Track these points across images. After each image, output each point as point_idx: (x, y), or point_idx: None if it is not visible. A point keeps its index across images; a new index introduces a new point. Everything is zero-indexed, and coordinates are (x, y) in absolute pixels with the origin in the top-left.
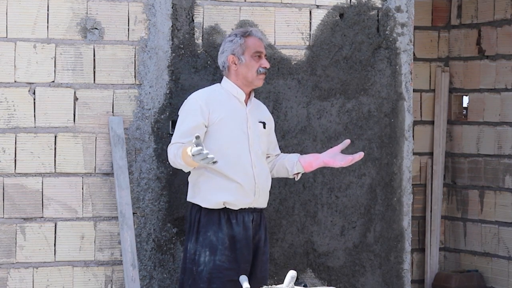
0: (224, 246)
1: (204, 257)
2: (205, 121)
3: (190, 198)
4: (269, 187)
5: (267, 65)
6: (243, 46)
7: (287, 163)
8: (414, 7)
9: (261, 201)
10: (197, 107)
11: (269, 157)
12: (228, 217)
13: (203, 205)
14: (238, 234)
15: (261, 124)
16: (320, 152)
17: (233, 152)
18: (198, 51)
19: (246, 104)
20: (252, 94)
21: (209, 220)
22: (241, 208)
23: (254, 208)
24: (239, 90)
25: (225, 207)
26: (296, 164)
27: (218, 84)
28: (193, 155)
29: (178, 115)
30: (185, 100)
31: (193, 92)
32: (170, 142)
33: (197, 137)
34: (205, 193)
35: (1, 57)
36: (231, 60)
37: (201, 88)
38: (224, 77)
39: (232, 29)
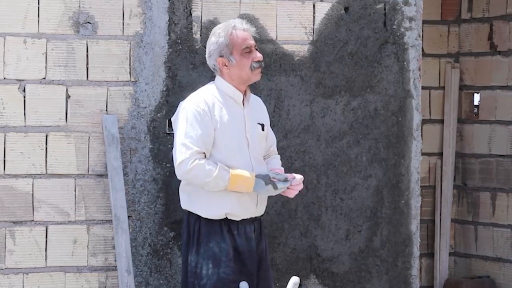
0: (228, 258)
1: (206, 270)
2: (212, 124)
3: (187, 206)
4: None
5: (260, 58)
6: (230, 45)
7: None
8: (422, 0)
9: (261, 209)
10: (202, 112)
11: (270, 154)
12: (229, 228)
13: (203, 215)
14: (241, 246)
15: (260, 126)
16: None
17: (234, 161)
18: (196, 47)
19: (244, 105)
20: (249, 93)
21: (210, 231)
22: (243, 219)
23: (255, 217)
24: (235, 91)
25: (226, 218)
26: None
27: (211, 83)
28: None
29: (172, 121)
30: (183, 107)
31: (189, 94)
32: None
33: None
34: (204, 203)
35: None
36: (221, 62)
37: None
38: (218, 76)
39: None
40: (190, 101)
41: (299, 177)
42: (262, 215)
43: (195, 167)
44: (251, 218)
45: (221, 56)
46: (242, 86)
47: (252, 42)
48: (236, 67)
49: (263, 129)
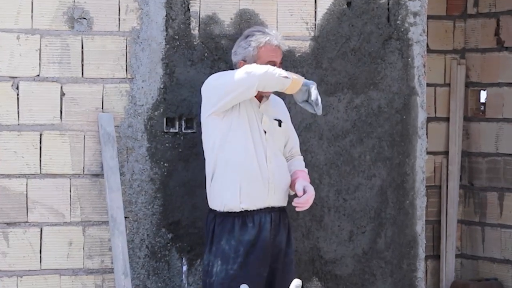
0: (237, 254)
1: (216, 267)
2: None
3: (209, 203)
4: (288, 184)
5: None
6: (255, 57)
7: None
8: None
9: (277, 198)
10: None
11: (294, 156)
12: (244, 221)
13: (218, 208)
14: (253, 238)
15: (276, 122)
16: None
17: (248, 150)
18: (195, 43)
19: (260, 101)
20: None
21: (223, 229)
22: (258, 209)
23: (272, 207)
24: None
25: (240, 211)
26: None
27: None
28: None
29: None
30: (212, 77)
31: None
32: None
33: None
34: (219, 193)
35: None
36: (242, 66)
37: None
38: None
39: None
40: (213, 74)
41: (307, 196)
42: (284, 207)
43: (251, 70)
44: (267, 209)
45: (244, 61)
46: None
47: (278, 59)
48: None
49: (279, 125)
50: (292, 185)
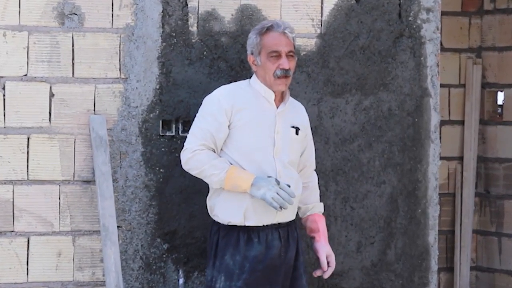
0: (241, 270)
1: (219, 283)
2: (228, 122)
3: (210, 212)
4: (298, 197)
5: (286, 66)
6: (259, 45)
7: (301, 206)
8: None
9: (286, 215)
10: (219, 108)
11: (305, 169)
12: (249, 236)
13: (221, 220)
14: (260, 255)
15: (294, 130)
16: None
17: (255, 160)
18: (193, 40)
19: (278, 105)
20: (287, 95)
21: (227, 243)
22: (265, 225)
23: (279, 223)
24: (266, 90)
25: (246, 225)
26: (305, 221)
27: (247, 80)
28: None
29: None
30: (207, 96)
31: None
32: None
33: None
34: (223, 207)
35: None
36: (251, 60)
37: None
38: (254, 74)
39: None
40: (213, 93)
41: (331, 270)
42: (293, 221)
43: (195, 156)
44: (274, 225)
45: (252, 54)
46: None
47: (283, 48)
48: (262, 69)
49: (297, 133)
50: (310, 229)
